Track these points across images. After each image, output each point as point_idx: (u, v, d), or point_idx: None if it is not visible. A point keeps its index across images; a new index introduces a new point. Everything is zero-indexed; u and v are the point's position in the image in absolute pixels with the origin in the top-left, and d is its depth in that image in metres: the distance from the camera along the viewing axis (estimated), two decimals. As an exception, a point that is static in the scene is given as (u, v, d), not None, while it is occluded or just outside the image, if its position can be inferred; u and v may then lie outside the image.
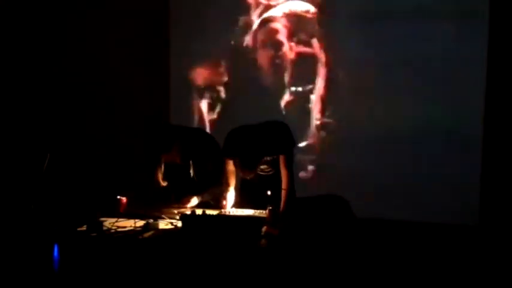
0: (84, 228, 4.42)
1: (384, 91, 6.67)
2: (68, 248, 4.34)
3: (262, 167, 4.92)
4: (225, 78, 7.13)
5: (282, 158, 4.81)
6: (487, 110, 6.37)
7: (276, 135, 4.81)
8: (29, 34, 7.36)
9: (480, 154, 6.41)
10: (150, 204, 4.94)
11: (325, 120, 6.87)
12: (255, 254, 4.22)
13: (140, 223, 4.53)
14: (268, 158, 4.87)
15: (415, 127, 6.68)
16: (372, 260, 6.21)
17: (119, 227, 4.50)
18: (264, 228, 4.33)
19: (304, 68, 6.89)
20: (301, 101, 6.92)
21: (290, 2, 6.85)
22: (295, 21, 6.86)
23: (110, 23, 7.24)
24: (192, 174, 4.96)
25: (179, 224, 4.48)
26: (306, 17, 6.81)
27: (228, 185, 4.89)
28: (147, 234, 4.36)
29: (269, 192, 4.70)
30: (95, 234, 4.35)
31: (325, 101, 6.87)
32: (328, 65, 6.82)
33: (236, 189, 4.97)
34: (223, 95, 7.16)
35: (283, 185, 4.77)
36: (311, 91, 6.90)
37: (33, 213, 4.72)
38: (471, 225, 6.45)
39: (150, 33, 7.25)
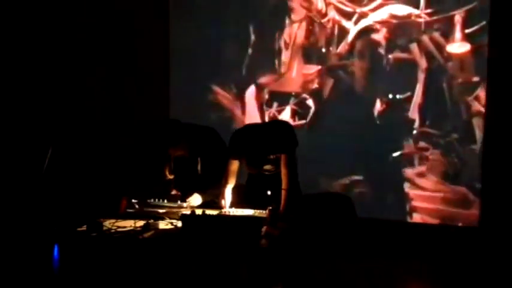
0: (84, 228, 4.41)
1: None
2: (68, 248, 4.32)
3: (266, 167, 4.94)
4: (315, 85, 7.00)
5: (283, 157, 4.84)
6: (487, 111, 6.39)
7: (280, 134, 4.85)
8: (31, 32, 7.32)
9: (481, 155, 6.45)
10: (150, 204, 4.92)
11: (425, 129, 6.68)
12: (255, 254, 4.23)
13: (140, 223, 4.53)
14: (272, 157, 4.90)
15: (394, 125, 6.73)
16: (372, 261, 6.28)
17: (119, 227, 4.49)
18: (264, 228, 4.34)
19: (402, 74, 6.71)
20: (398, 109, 6.73)
21: (390, 6, 6.65)
22: (394, 26, 6.68)
23: (111, 23, 7.21)
24: (199, 171, 4.97)
25: (179, 224, 4.48)
26: (406, 21, 6.63)
27: (226, 183, 4.89)
28: (147, 234, 4.36)
29: (269, 192, 4.73)
30: (95, 234, 4.34)
31: (424, 109, 6.68)
32: (428, 71, 6.64)
33: (235, 188, 4.98)
34: (311, 102, 7.02)
35: (284, 185, 4.79)
36: (409, 99, 6.71)
37: (33, 213, 4.70)
38: (471, 227, 6.49)
39: (151, 32, 7.24)
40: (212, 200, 4.93)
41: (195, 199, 4.95)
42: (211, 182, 4.96)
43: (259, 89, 7.13)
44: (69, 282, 4.35)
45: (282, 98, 7.10)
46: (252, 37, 7.14)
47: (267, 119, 7.06)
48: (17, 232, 4.76)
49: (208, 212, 4.61)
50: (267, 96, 7.13)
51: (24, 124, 7.11)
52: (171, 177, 5.03)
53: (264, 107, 7.14)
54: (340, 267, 6.02)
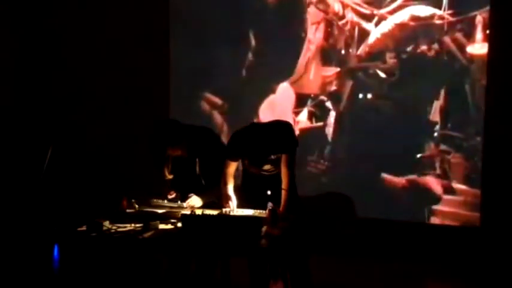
0: (84, 228, 4.39)
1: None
2: (68, 248, 4.34)
3: (266, 167, 4.92)
4: (334, 88, 6.86)
5: (284, 157, 4.80)
6: (487, 110, 6.28)
7: (282, 134, 4.82)
8: (32, 32, 7.39)
9: (481, 155, 6.34)
10: (150, 204, 4.92)
11: (446, 132, 6.51)
12: (255, 254, 4.21)
13: (140, 223, 4.49)
14: (273, 157, 4.87)
15: (414, 128, 6.59)
16: (374, 260, 6.24)
17: (119, 227, 4.45)
18: (264, 228, 4.31)
19: (423, 76, 6.56)
20: (419, 111, 6.57)
21: (411, 7, 6.50)
22: (415, 27, 6.51)
23: (111, 23, 7.26)
24: (197, 172, 4.95)
25: (179, 224, 4.45)
26: (428, 22, 6.46)
27: (226, 184, 4.85)
28: (147, 234, 4.33)
29: (269, 192, 4.72)
30: (95, 234, 4.33)
31: (446, 111, 6.49)
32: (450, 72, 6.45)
33: (235, 189, 4.95)
34: (329, 104, 6.88)
35: (284, 185, 4.75)
36: (431, 100, 6.53)
37: (33, 213, 4.73)
38: (472, 227, 6.39)
39: (151, 31, 7.25)
40: (212, 201, 4.89)
41: (195, 201, 4.92)
42: (209, 182, 4.93)
43: (280, 91, 7.06)
44: (69, 282, 4.37)
45: (299, 100, 7.01)
46: (264, 40, 7.06)
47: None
48: (17, 232, 4.80)
49: (208, 212, 4.59)
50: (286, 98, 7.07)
51: (24, 124, 7.15)
52: (170, 177, 5.01)
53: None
54: (349, 267, 6.02)
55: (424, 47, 6.54)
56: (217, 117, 7.21)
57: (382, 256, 6.37)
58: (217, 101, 7.21)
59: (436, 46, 6.49)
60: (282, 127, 4.90)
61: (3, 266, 4.81)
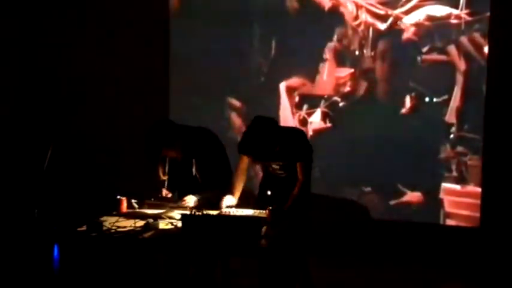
0: (84, 228, 4.39)
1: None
2: (68, 248, 4.34)
3: (275, 167, 4.93)
4: (347, 88, 6.84)
5: (300, 165, 4.84)
6: (487, 111, 6.27)
7: (293, 142, 4.83)
8: (31, 33, 7.40)
9: (481, 155, 6.34)
10: (150, 204, 4.91)
11: (463, 134, 6.48)
12: (255, 254, 4.21)
13: (140, 223, 4.49)
14: (281, 163, 4.89)
15: (416, 127, 6.57)
16: (373, 260, 6.25)
17: (119, 227, 4.45)
18: (264, 228, 4.31)
19: (439, 77, 6.51)
20: (435, 112, 6.52)
21: (427, 7, 6.44)
22: (431, 27, 6.46)
23: (112, 23, 7.26)
24: (194, 173, 4.95)
25: (179, 224, 4.45)
26: (444, 22, 6.41)
27: (235, 188, 4.88)
28: (147, 234, 4.33)
29: (269, 192, 4.73)
30: (95, 234, 4.32)
31: (462, 113, 6.46)
32: (467, 73, 6.41)
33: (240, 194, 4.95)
34: (340, 105, 6.86)
35: (295, 190, 4.80)
36: (446, 102, 6.49)
37: (33, 213, 4.72)
38: (472, 228, 6.39)
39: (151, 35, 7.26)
40: (210, 201, 4.89)
41: (190, 200, 4.91)
42: (206, 183, 4.91)
43: (290, 91, 7.03)
44: (69, 282, 4.37)
45: (312, 101, 6.98)
46: (275, 40, 7.04)
47: (296, 122, 6.97)
48: (17, 232, 4.80)
49: (208, 212, 4.58)
50: (297, 99, 7.03)
51: (24, 123, 7.15)
52: (165, 177, 5.00)
53: (294, 110, 7.02)
54: (348, 268, 6.02)
55: (440, 47, 6.49)
56: (237, 119, 7.19)
57: (382, 256, 6.39)
58: (236, 103, 7.20)
59: (452, 46, 6.44)
60: (294, 135, 4.92)
61: (4, 266, 4.81)
